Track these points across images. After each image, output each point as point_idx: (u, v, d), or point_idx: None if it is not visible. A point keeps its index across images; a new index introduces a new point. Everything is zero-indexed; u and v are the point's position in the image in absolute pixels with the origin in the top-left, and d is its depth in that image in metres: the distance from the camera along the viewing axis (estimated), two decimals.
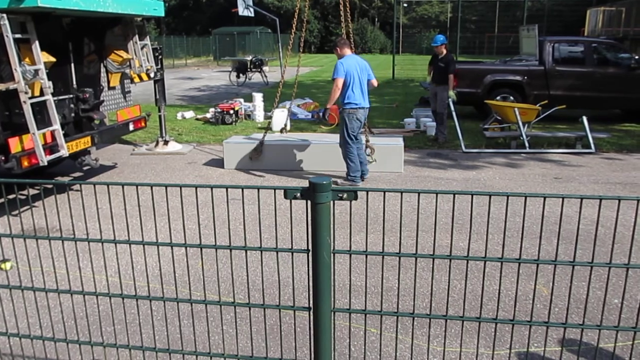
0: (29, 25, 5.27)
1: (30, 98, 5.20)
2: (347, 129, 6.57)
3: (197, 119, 12.01)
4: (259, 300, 3.83)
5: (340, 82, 6.43)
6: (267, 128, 7.97)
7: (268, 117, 11.23)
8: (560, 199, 1.68)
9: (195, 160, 8.29)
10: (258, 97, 11.97)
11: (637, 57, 11.36)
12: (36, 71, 5.28)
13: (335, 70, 6.50)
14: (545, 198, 1.80)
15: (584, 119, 8.55)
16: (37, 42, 5.30)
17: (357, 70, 6.50)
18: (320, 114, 7.69)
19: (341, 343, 3.31)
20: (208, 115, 11.68)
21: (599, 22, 22.17)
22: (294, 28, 7.50)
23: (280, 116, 9.75)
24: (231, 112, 11.23)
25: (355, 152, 6.66)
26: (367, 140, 7.32)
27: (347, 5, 7.19)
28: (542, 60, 10.85)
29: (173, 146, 8.93)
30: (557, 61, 10.87)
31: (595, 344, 3.26)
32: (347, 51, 6.66)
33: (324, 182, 1.75)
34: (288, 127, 9.66)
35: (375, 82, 6.83)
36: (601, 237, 4.95)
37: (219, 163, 7.91)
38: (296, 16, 7.75)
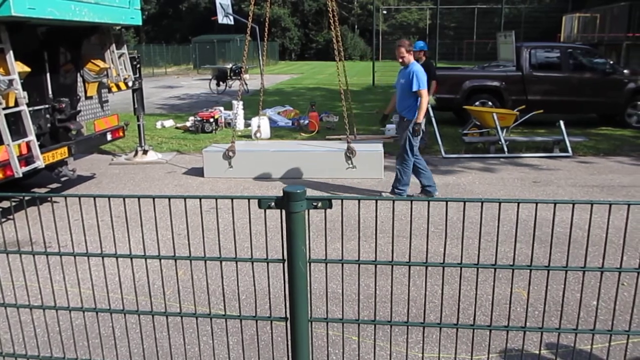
0: (2, 35, 5.19)
1: (4, 109, 5.13)
2: (410, 141, 6.14)
3: (176, 128, 11.93)
4: (236, 311, 3.79)
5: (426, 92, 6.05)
6: (234, 131, 8.25)
7: (248, 125, 11.21)
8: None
9: (174, 169, 8.22)
10: (238, 105, 11.94)
11: (611, 62, 11.58)
12: (10, 81, 5.20)
13: (419, 80, 6.00)
14: (519, 203, 1.81)
15: (561, 123, 8.67)
16: (11, 52, 5.22)
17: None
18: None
19: (322, 352, 3.29)
20: (188, 124, 11.62)
21: (574, 28, 22.57)
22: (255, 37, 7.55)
23: (255, 123, 9.77)
24: (211, 120, 11.19)
25: (411, 165, 6.28)
26: (349, 142, 7.34)
27: (334, 11, 7.21)
28: (520, 65, 11.00)
29: (152, 155, 8.85)
30: (534, 67, 11.02)
31: (573, 346, 3.28)
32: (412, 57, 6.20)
33: (298, 191, 1.73)
34: (263, 135, 9.62)
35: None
36: (579, 240, 5.00)
37: (198, 172, 7.85)
38: (267, 25, 7.84)
